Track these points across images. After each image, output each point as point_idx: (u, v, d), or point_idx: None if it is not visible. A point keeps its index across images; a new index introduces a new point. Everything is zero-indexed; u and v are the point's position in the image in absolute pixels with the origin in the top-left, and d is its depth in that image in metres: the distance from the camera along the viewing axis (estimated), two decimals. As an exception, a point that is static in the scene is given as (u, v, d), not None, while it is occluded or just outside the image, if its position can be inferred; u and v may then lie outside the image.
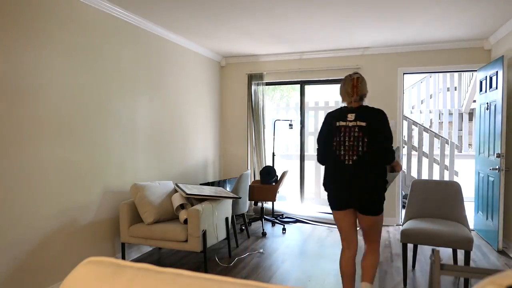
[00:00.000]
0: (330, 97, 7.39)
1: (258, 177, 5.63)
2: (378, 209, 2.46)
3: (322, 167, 6.77)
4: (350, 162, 2.43)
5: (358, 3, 3.43)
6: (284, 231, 4.84)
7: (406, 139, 6.57)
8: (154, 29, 4.13)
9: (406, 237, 3.03)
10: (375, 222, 2.51)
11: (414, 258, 3.51)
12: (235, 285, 0.63)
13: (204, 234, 3.28)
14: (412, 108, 8.91)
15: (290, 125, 5.47)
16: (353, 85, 2.51)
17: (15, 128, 2.62)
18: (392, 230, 4.91)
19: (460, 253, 3.85)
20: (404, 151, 6.45)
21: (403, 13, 3.68)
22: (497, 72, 4.04)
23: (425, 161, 6.58)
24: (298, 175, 5.81)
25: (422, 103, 8.94)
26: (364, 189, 2.42)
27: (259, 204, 5.47)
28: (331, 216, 5.34)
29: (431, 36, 4.54)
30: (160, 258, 3.88)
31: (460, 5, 3.47)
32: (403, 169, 6.24)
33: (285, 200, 6.31)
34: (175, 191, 3.81)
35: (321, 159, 2.62)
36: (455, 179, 6.57)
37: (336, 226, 5.08)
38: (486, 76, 4.40)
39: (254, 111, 5.68)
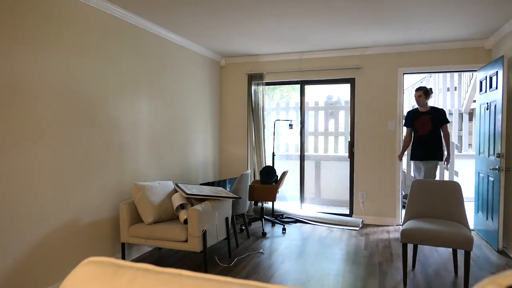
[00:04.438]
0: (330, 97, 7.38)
1: (258, 177, 5.63)
2: None
3: (322, 167, 6.77)
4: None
5: (358, 3, 3.43)
6: (284, 231, 4.84)
7: (406, 139, 6.56)
8: (154, 29, 4.13)
9: (406, 237, 3.03)
10: None
11: (414, 258, 3.51)
12: (235, 285, 0.63)
13: (204, 234, 3.28)
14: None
15: (290, 125, 5.48)
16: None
17: (14, 128, 2.62)
18: (392, 230, 4.91)
19: (460, 253, 3.85)
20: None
21: (403, 13, 3.68)
22: (497, 72, 4.04)
23: (425, 161, 6.56)
24: (298, 175, 5.81)
25: (422, 103, 8.92)
26: None
27: (259, 204, 5.47)
28: (331, 216, 5.34)
29: (431, 36, 4.54)
30: (160, 258, 3.88)
31: (460, 5, 3.47)
32: (403, 169, 6.24)
33: (285, 200, 6.32)
34: (175, 191, 3.81)
35: None
36: (455, 179, 6.57)
37: (335, 226, 5.08)
38: (486, 76, 4.40)
39: (254, 111, 5.68)
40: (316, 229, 4.98)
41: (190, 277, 0.66)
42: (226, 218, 3.78)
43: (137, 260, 3.80)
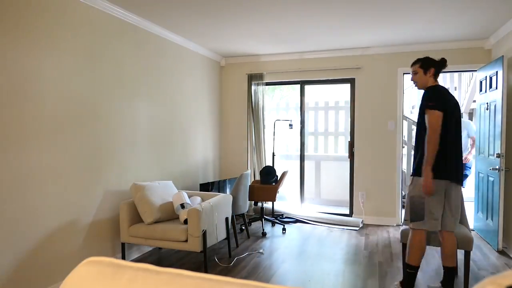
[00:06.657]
0: (330, 97, 7.38)
1: (258, 177, 5.63)
2: None
3: (322, 167, 6.77)
4: None
5: (358, 3, 3.43)
6: (284, 231, 4.84)
7: (406, 139, 6.57)
8: (154, 29, 4.13)
9: (406, 237, 3.03)
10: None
11: (414, 258, 3.50)
12: (235, 285, 0.63)
13: (204, 234, 3.28)
14: (412, 108, 8.90)
15: (290, 125, 5.48)
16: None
17: (15, 128, 2.62)
18: (392, 230, 4.91)
19: (460, 253, 3.85)
20: (404, 151, 6.44)
21: (403, 13, 3.68)
22: (497, 72, 4.04)
23: (425, 161, 6.55)
24: (298, 175, 5.81)
25: (422, 103, 8.93)
26: None
27: (259, 204, 5.47)
28: (331, 216, 5.34)
29: (431, 36, 4.54)
30: (160, 258, 3.88)
31: (460, 5, 3.48)
32: (403, 169, 6.24)
33: (285, 200, 6.31)
34: (176, 191, 3.81)
35: None
36: (455, 179, 6.54)
37: (335, 226, 5.07)
38: (486, 76, 4.40)
39: (254, 111, 5.68)
40: (316, 229, 4.97)
41: (190, 277, 0.67)
42: (226, 218, 3.78)
43: (137, 260, 3.80)
